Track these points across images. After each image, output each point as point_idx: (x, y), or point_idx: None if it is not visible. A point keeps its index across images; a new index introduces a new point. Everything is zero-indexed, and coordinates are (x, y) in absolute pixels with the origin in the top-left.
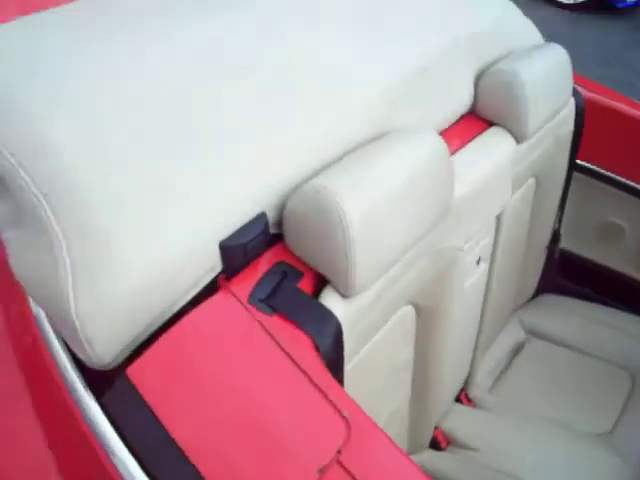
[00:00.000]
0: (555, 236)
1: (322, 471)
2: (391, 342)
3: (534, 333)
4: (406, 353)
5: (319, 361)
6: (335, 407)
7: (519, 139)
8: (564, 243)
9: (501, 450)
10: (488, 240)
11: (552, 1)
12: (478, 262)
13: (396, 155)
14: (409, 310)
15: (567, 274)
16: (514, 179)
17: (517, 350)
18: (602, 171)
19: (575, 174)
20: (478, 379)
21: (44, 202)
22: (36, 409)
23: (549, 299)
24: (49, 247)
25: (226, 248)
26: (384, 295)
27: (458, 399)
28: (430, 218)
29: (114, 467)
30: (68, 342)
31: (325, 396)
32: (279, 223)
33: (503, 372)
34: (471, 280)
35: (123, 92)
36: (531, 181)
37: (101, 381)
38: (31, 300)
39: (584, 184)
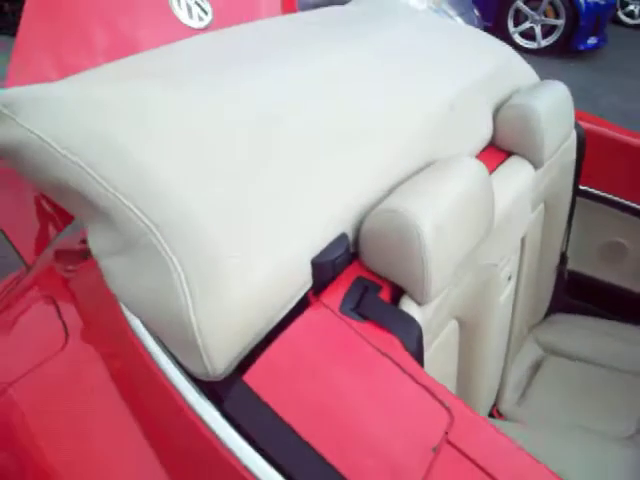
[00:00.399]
0: (563, 257)
1: (436, 450)
2: (439, 356)
3: (551, 350)
4: (450, 367)
5: (412, 359)
6: (436, 397)
7: (537, 166)
8: (571, 264)
9: (541, 459)
10: (515, 258)
11: (517, 47)
12: (509, 279)
13: (451, 178)
14: (454, 325)
15: (576, 293)
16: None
17: (536, 367)
18: (602, 194)
19: (578, 199)
20: (507, 394)
21: (157, 233)
22: (142, 424)
23: (561, 318)
24: (165, 272)
25: (317, 265)
26: (439, 311)
27: (491, 414)
28: (479, 233)
29: (248, 471)
30: (179, 357)
31: (426, 388)
32: (355, 243)
33: (527, 388)
34: (504, 295)
35: (218, 132)
36: (541, 207)
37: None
38: (132, 321)
39: (587, 207)
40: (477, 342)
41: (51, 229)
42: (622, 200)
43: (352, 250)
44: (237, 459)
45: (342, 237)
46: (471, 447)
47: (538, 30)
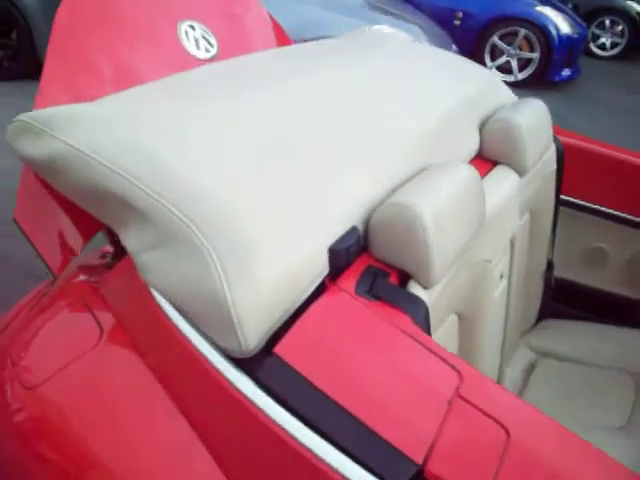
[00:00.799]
0: (549, 264)
1: (450, 402)
2: None
3: (543, 354)
4: None
5: (422, 331)
6: (446, 361)
7: (521, 173)
8: (558, 271)
9: None
10: (506, 259)
11: None
12: (501, 277)
13: (447, 178)
14: (454, 319)
15: (563, 300)
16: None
17: (530, 369)
18: (583, 203)
19: (561, 208)
20: None
21: (193, 227)
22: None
23: (551, 323)
24: (202, 260)
25: (333, 252)
26: (436, 306)
27: None
28: (473, 227)
29: (291, 437)
30: (215, 337)
31: (437, 354)
32: (364, 237)
33: (523, 388)
34: (498, 291)
35: (245, 140)
36: (527, 216)
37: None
38: (166, 308)
39: (569, 216)
40: (475, 336)
41: (76, 241)
42: (601, 208)
43: (362, 243)
44: (281, 428)
45: (353, 229)
46: (481, 400)
47: (514, 64)
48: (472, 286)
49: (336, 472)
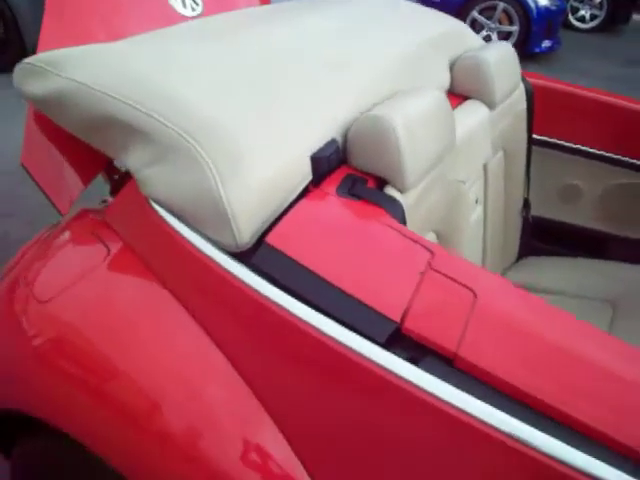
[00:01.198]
0: (526, 202)
1: (422, 273)
2: None
3: (524, 288)
4: None
5: (398, 222)
6: (420, 243)
7: (491, 107)
8: (535, 210)
9: None
10: (480, 184)
11: None
12: (477, 202)
13: (417, 96)
14: (432, 237)
15: (541, 237)
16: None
17: None
18: (555, 141)
19: (534, 147)
20: None
21: (187, 137)
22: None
23: (530, 260)
24: (196, 165)
25: (315, 159)
26: (414, 216)
27: None
28: (444, 144)
29: (287, 312)
30: (212, 234)
31: (411, 238)
32: (342, 150)
33: None
34: (474, 216)
35: (233, 65)
36: (500, 154)
37: None
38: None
39: (543, 155)
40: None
41: (77, 186)
42: (573, 145)
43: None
44: (276, 305)
45: (332, 141)
46: (451, 271)
47: (494, 37)
48: (448, 205)
49: (323, 334)
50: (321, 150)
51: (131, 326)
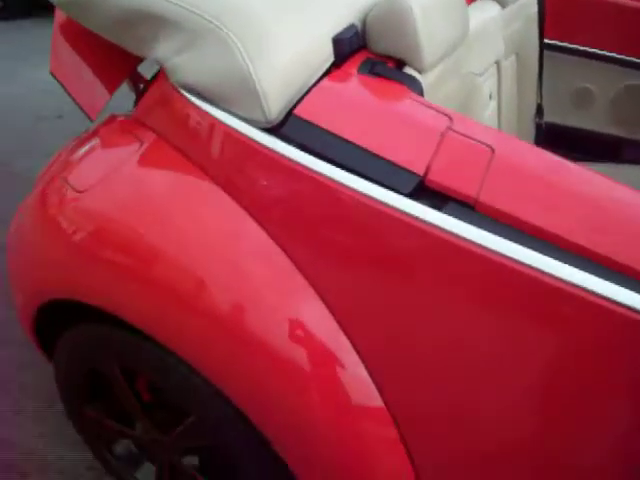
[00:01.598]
0: (539, 108)
1: (442, 134)
2: None
3: None
4: None
5: (418, 94)
6: (439, 110)
7: (502, 4)
8: (548, 116)
9: None
10: (494, 80)
11: None
12: (490, 97)
13: None
14: None
15: (555, 144)
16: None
17: None
18: (567, 45)
19: (546, 52)
20: None
21: (216, 21)
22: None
23: None
24: (226, 47)
25: (337, 41)
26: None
27: None
28: (457, 32)
29: (322, 176)
30: (242, 112)
31: (430, 106)
32: (362, 36)
33: None
34: (488, 112)
35: None
36: (513, 57)
37: None
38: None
39: (555, 59)
40: None
41: (103, 95)
42: (584, 48)
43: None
44: (311, 171)
45: (352, 26)
46: (469, 132)
47: None
48: (464, 97)
49: (354, 191)
50: (342, 33)
51: (172, 210)
